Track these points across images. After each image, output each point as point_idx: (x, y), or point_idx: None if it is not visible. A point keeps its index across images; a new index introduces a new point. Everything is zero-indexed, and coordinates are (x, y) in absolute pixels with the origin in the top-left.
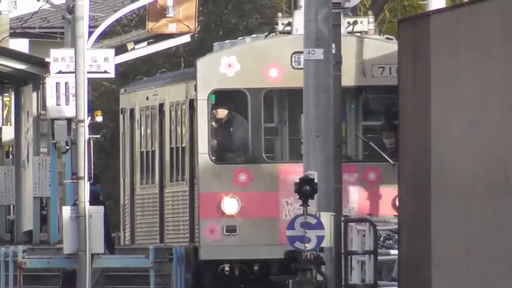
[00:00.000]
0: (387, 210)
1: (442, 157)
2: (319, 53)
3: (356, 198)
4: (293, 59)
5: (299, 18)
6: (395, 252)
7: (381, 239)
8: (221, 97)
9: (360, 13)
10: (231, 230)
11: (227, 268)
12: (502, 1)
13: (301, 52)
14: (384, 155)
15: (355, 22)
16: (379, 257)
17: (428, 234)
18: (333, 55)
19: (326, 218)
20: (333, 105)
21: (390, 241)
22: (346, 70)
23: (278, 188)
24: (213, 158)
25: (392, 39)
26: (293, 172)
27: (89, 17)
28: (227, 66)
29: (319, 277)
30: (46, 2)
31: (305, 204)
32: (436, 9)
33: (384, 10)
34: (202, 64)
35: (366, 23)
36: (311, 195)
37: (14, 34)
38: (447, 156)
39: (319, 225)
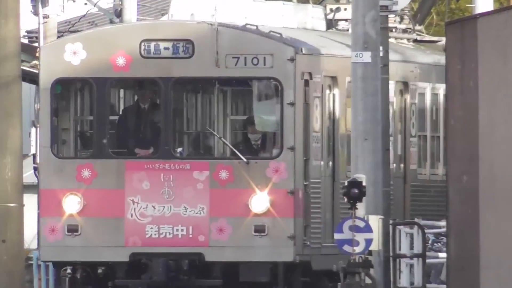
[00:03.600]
0: (240, 211)
1: (490, 160)
2: (367, 56)
3: (207, 198)
4: (142, 47)
5: (176, 4)
6: (443, 255)
7: (430, 242)
8: (67, 87)
9: (408, 15)
10: (73, 229)
11: (69, 271)
12: None
13: (151, 40)
14: (237, 152)
15: (337, 9)
16: (427, 260)
17: (476, 237)
18: (380, 58)
19: (375, 221)
20: (381, 108)
21: (439, 244)
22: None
23: (123, 185)
24: (55, 152)
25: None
26: (141, 168)
27: (137, 21)
28: (72, 53)
29: (368, 280)
30: (94, 6)
31: (353, 207)
32: (484, 12)
33: (432, 13)
34: (46, 50)
35: (350, 10)
36: (359, 198)
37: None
38: (495, 159)
39: (368, 228)
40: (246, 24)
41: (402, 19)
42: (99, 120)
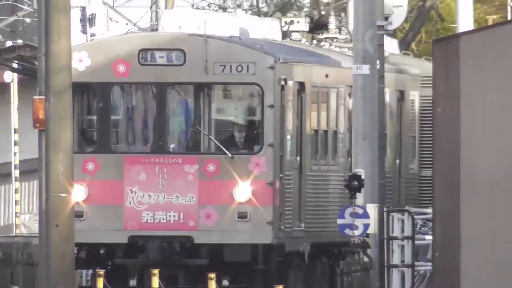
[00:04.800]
0: (225, 200)
1: (470, 158)
2: (365, 69)
3: (196, 188)
4: (140, 55)
5: (166, 18)
6: (429, 237)
7: (418, 226)
8: (73, 90)
9: (400, 34)
10: (78, 215)
11: (74, 251)
12: None
13: (148, 50)
14: (222, 148)
15: (291, 22)
16: (416, 242)
17: (457, 221)
18: (377, 70)
19: (371, 209)
20: (377, 113)
21: (426, 228)
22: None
23: (123, 177)
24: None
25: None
26: (138, 162)
27: None
28: (78, 60)
29: (366, 259)
30: (134, 25)
31: (353, 196)
32: (465, 31)
33: (421, 32)
34: None
35: (302, 23)
36: (358, 189)
37: None
38: (474, 155)
39: (365, 215)
40: (231, 36)
41: (340, 30)
42: (102, 120)
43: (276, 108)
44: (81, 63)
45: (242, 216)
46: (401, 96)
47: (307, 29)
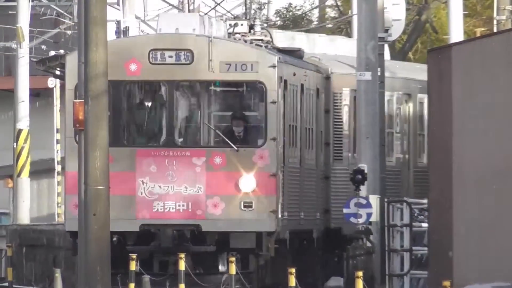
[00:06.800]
0: (231, 190)
1: (461, 153)
2: (368, 75)
3: (203, 179)
4: (151, 55)
5: (163, 19)
6: (425, 224)
7: (415, 215)
8: None
9: (399, 44)
10: None
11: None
12: (505, 36)
13: (158, 50)
14: (229, 142)
15: (235, 25)
16: (413, 229)
17: (450, 211)
18: (378, 77)
19: (374, 200)
20: (378, 114)
21: (422, 216)
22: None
23: (135, 169)
24: (78, 141)
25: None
26: (149, 155)
27: None
28: None
29: (368, 244)
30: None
31: (357, 189)
32: (456, 42)
33: (417, 42)
34: (70, 58)
35: (245, 25)
36: (362, 182)
37: None
38: (465, 152)
39: (368, 205)
40: (234, 37)
41: (257, 31)
42: (115, 115)
43: (278, 104)
44: None
45: (247, 205)
46: (409, 98)
47: (247, 30)
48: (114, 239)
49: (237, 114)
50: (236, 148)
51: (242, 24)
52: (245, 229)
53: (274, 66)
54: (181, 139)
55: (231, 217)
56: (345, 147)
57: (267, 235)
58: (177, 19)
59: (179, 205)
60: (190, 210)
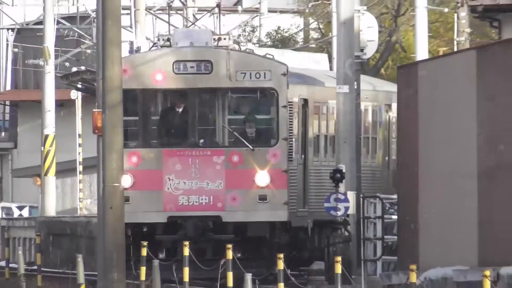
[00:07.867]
0: (248, 185)
1: (426, 154)
2: (345, 88)
3: (223, 175)
4: (174, 66)
5: (178, 34)
6: (395, 216)
7: (387, 208)
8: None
9: (372, 62)
10: (125, 200)
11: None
12: (464, 55)
13: (181, 61)
14: (246, 143)
15: (219, 39)
16: (385, 220)
17: (416, 204)
18: (354, 89)
19: (351, 195)
20: (355, 122)
21: (392, 209)
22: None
23: (162, 167)
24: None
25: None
26: (174, 155)
27: None
28: (122, 71)
29: (346, 233)
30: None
31: (337, 186)
32: (422, 60)
33: (388, 60)
34: None
35: (228, 40)
36: (340, 180)
37: None
38: (429, 153)
39: (346, 200)
40: (246, 48)
41: (238, 43)
42: (143, 120)
43: (288, 108)
44: (125, 73)
45: (262, 198)
46: (389, 108)
47: (231, 43)
48: (145, 229)
49: (249, 118)
50: (251, 148)
51: (225, 38)
52: (261, 219)
53: (284, 74)
54: (202, 140)
55: (248, 209)
56: (295, 149)
57: (280, 224)
58: (191, 34)
59: (202, 199)
60: (211, 203)
